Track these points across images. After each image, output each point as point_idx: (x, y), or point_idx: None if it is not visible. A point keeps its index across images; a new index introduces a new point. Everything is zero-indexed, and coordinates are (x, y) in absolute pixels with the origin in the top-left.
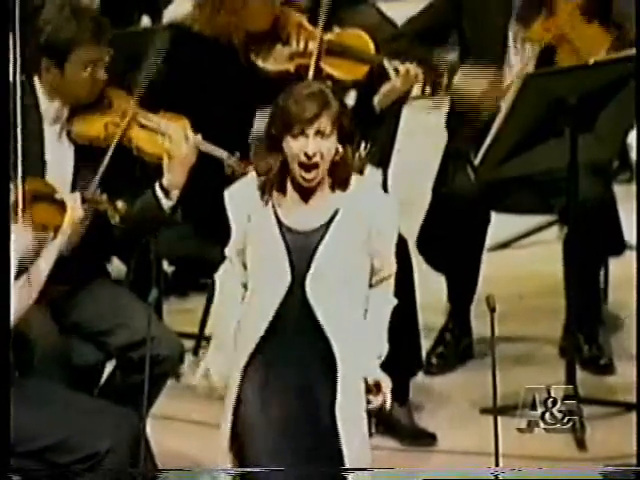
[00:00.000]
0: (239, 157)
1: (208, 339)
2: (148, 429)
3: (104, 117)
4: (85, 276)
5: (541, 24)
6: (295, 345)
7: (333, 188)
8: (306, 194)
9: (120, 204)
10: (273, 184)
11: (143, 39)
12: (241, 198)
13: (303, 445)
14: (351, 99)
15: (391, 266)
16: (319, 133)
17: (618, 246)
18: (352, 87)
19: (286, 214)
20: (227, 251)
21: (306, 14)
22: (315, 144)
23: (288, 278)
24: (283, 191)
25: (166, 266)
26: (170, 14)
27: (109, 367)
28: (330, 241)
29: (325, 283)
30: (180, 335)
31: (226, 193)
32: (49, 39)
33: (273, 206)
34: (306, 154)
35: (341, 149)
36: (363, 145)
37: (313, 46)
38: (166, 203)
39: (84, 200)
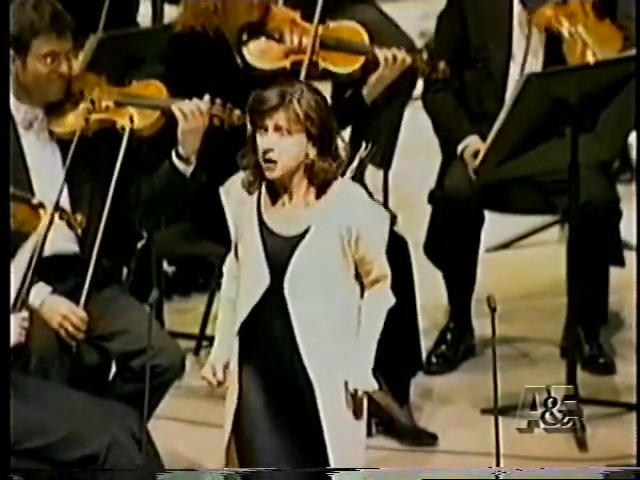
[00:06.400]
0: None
1: (209, 339)
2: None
3: (80, 108)
4: (100, 280)
5: (550, 9)
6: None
7: (314, 193)
8: (275, 194)
9: (79, 217)
10: (253, 182)
11: (142, 40)
12: (232, 195)
13: (295, 445)
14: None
15: (381, 269)
16: (278, 129)
17: (619, 257)
18: (349, 82)
19: (268, 215)
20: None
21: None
22: (272, 139)
23: (266, 281)
24: (260, 189)
25: (166, 266)
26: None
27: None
28: (306, 249)
29: (300, 290)
30: (181, 335)
31: (221, 189)
32: (13, 31)
33: (258, 206)
34: (263, 149)
35: (312, 153)
36: (364, 145)
37: (307, 42)
38: (186, 169)
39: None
